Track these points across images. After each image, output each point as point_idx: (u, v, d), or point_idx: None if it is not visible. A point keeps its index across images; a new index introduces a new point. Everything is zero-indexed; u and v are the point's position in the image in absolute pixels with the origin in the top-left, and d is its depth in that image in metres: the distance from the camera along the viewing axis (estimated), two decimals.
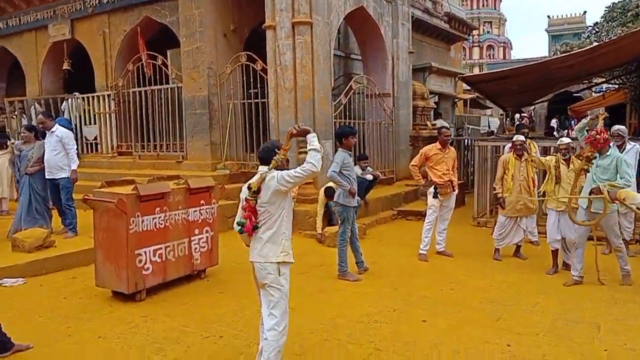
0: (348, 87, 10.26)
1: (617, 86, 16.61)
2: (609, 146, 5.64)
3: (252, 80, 9.60)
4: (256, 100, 9.76)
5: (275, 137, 9.15)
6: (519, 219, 6.98)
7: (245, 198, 3.54)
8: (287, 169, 3.61)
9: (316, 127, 9.12)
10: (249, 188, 3.51)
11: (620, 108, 19.41)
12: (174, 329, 4.63)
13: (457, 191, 7.35)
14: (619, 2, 15.12)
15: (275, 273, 3.54)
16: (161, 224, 5.43)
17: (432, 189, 7.13)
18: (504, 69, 10.86)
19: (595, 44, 13.81)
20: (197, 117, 10.34)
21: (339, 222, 6.28)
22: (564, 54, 10.12)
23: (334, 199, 6.33)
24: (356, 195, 6.26)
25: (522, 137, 7.09)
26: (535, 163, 6.78)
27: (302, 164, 3.55)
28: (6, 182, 9.32)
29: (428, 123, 12.61)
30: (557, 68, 9.98)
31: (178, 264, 5.68)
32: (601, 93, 18.89)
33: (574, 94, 20.89)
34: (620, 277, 5.87)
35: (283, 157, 3.60)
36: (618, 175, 5.50)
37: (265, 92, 9.45)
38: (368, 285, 5.89)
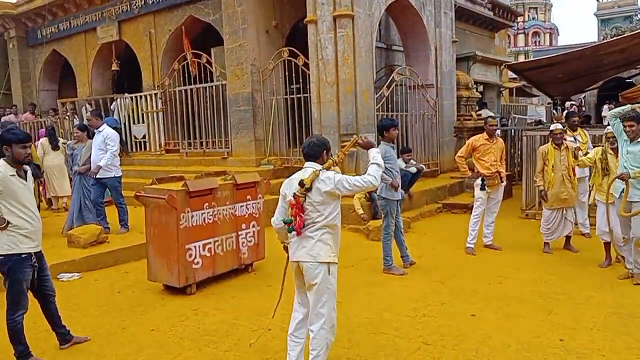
0: (390, 79, 10.18)
1: None
2: None
3: (294, 75, 9.67)
4: (298, 96, 9.82)
5: (317, 132, 9.20)
6: (565, 210, 6.77)
7: (294, 194, 3.46)
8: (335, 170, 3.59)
9: (358, 121, 9.13)
10: (301, 184, 3.43)
11: None
12: (223, 322, 4.75)
13: (505, 183, 7.19)
14: None
15: (325, 273, 3.50)
16: (210, 219, 5.56)
17: (479, 181, 6.98)
18: (551, 55, 10.49)
19: None
20: (241, 113, 10.49)
21: (383, 215, 6.25)
22: (614, 39, 9.68)
23: (377, 192, 6.29)
24: (400, 188, 6.22)
25: (559, 126, 6.92)
26: (580, 163, 6.52)
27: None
28: (67, 181, 9.69)
29: (473, 113, 12.35)
30: (607, 53, 9.59)
31: (226, 258, 5.80)
32: None
33: (626, 80, 20.01)
34: None
35: (341, 159, 3.58)
36: None
37: (308, 87, 9.50)
38: (414, 280, 5.86)
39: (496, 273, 6.02)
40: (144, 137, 12.78)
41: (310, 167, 3.53)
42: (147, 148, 12.74)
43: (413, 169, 8.83)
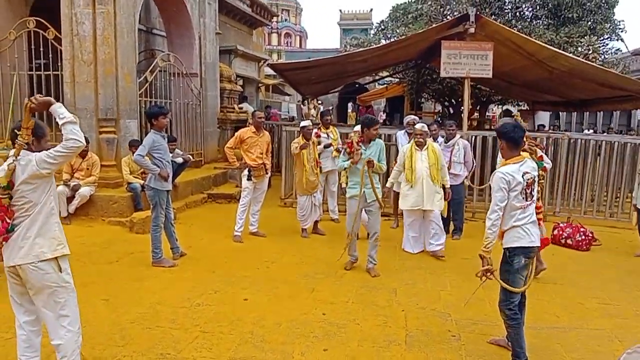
0: (154, 64, 9.77)
1: (398, 80, 18.82)
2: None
3: (42, 50, 8.52)
4: (47, 73, 8.70)
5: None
6: (313, 197, 7.61)
7: None
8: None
9: (119, 105, 8.58)
10: None
11: (400, 99, 22.13)
12: None
13: (269, 174, 7.63)
14: (401, 4, 17.03)
15: (56, 270, 3.10)
16: None
17: (246, 172, 7.27)
18: (309, 59, 11.47)
19: (384, 41, 15.46)
20: None
21: (151, 206, 6.00)
22: (362, 49, 11.09)
23: (146, 182, 6.03)
24: (170, 178, 6.07)
25: (308, 122, 7.84)
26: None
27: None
28: None
29: (235, 106, 12.70)
30: (354, 61, 10.92)
31: None
32: (384, 85, 21.24)
33: (364, 85, 23.06)
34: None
35: (26, 138, 3.02)
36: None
37: (60, 64, 8.49)
38: (186, 270, 5.80)
39: (263, 258, 6.37)
40: None
41: (12, 155, 3.05)
42: None
43: (179, 159, 8.70)
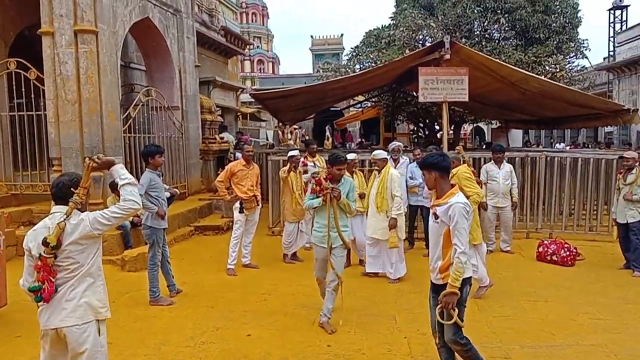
0: (137, 99, 9.82)
1: (373, 103, 19.21)
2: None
3: (23, 90, 8.49)
4: (29, 113, 8.66)
5: (55, 154, 8.32)
6: (300, 223, 7.88)
7: (40, 255, 2.87)
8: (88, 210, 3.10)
9: (105, 143, 8.58)
10: (46, 244, 2.84)
11: (375, 121, 22.52)
12: None
13: (261, 205, 7.71)
14: (374, 29, 17.48)
15: (96, 334, 3.01)
16: None
17: (237, 204, 7.35)
18: (289, 87, 11.69)
19: (359, 67, 15.80)
20: None
21: (149, 245, 6.02)
22: (341, 77, 11.37)
23: (142, 221, 6.04)
24: (166, 216, 6.10)
25: (296, 152, 8.08)
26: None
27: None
28: None
29: (217, 136, 12.78)
30: (333, 88, 11.16)
31: None
32: (360, 109, 21.62)
33: (341, 110, 23.39)
34: None
35: (82, 196, 2.99)
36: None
37: (42, 103, 8.47)
38: (184, 307, 5.80)
39: (259, 291, 6.40)
40: None
41: (59, 212, 2.98)
42: None
43: (167, 194, 8.67)
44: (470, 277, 3.72)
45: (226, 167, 7.63)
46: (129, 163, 9.40)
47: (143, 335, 5.00)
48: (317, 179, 5.19)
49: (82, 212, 3.02)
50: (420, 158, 8.16)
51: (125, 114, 9.37)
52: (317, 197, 5.12)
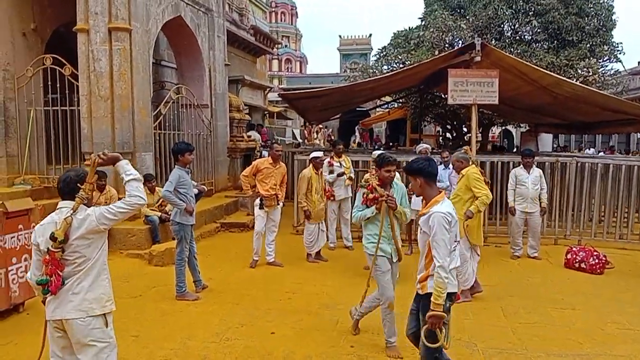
0: (167, 96, 9.98)
1: (400, 104, 19.10)
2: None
3: (58, 85, 8.72)
4: (63, 108, 8.88)
5: (88, 149, 8.49)
6: (320, 224, 7.89)
7: (48, 250, 2.95)
8: (94, 204, 3.16)
9: (136, 139, 8.75)
10: (53, 238, 2.92)
11: (402, 122, 22.40)
12: None
13: (282, 204, 7.78)
14: (402, 30, 17.35)
15: (102, 326, 3.08)
16: None
17: (258, 201, 7.48)
18: (319, 87, 11.74)
19: (386, 67, 15.73)
20: None
21: (177, 240, 6.11)
22: (369, 79, 11.35)
23: (171, 217, 6.15)
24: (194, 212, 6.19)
25: (320, 154, 7.97)
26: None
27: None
28: None
29: (244, 135, 12.90)
30: (360, 89, 11.14)
31: None
32: (387, 110, 21.52)
33: (368, 110, 23.35)
34: None
35: (88, 192, 3.06)
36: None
37: (75, 99, 8.68)
38: (210, 303, 5.88)
39: (284, 289, 6.45)
40: None
41: (66, 207, 3.05)
42: None
43: (195, 190, 8.80)
44: (455, 293, 3.54)
45: (253, 163, 7.72)
46: (158, 159, 9.57)
47: (170, 330, 5.08)
48: (369, 186, 4.55)
49: (89, 207, 3.10)
50: (448, 161, 8.13)
51: (156, 111, 9.53)
52: (367, 206, 4.57)
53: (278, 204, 7.64)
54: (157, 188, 8.46)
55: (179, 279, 5.99)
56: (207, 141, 11.41)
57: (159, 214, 8.33)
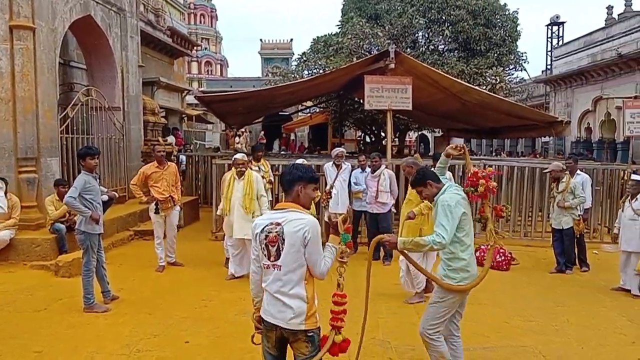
0: (75, 99, 9.48)
1: (322, 109, 19.34)
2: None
3: None
4: None
5: None
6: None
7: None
8: None
9: (40, 143, 8.24)
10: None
11: (324, 127, 22.70)
12: None
13: (179, 207, 7.65)
14: (322, 36, 17.60)
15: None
16: None
17: (153, 205, 7.44)
18: (239, 91, 11.59)
19: (307, 72, 15.88)
20: None
21: (83, 250, 5.79)
22: (290, 82, 11.38)
23: (76, 226, 5.82)
24: (101, 220, 5.91)
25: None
26: None
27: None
28: None
29: (160, 139, 12.51)
30: (281, 93, 11.18)
31: None
32: (309, 114, 21.73)
33: (289, 114, 23.45)
34: None
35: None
36: None
37: None
38: (121, 314, 5.63)
39: (200, 297, 6.30)
40: None
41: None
42: None
43: (105, 197, 8.40)
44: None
45: (139, 170, 7.60)
46: (66, 165, 9.07)
47: (76, 344, 4.81)
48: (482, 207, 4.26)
49: None
50: (365, 165, 8.31)
51: (63, 114, 9.01)
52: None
53: (174, 206, 7.58)
54: None
55: (87, 291, 5.68)
56: (120, 145, 10.94)
57: (66, 220, 7.86)
